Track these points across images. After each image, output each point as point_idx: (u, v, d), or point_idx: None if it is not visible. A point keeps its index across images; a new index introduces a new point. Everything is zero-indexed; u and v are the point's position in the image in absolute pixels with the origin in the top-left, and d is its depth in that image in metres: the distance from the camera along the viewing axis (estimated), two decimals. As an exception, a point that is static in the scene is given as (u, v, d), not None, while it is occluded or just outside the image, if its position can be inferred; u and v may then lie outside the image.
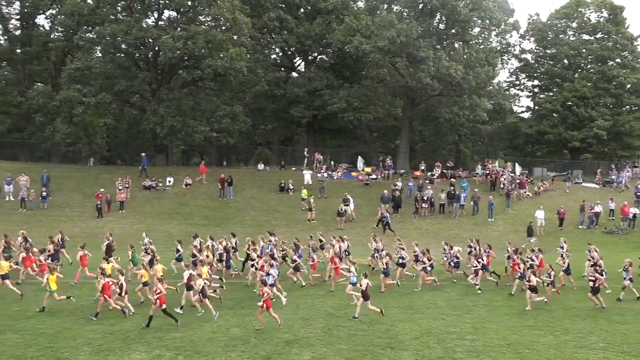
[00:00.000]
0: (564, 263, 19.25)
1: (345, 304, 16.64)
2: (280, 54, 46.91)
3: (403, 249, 20.48)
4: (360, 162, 39.77)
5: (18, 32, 42.72)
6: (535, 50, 49.88)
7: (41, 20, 44.47)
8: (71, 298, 16.03)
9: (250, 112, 43.61)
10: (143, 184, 33.86)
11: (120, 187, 31.87)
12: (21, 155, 41.96)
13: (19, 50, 41.97)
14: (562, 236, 25.79)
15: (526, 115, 53.46)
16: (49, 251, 19.95)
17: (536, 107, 51.07)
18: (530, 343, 13.36)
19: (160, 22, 38.95)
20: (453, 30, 40.25)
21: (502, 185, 34.44)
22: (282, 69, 47.50)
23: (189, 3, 37.76)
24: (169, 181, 34.59)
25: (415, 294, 18.50)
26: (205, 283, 15.54)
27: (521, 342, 13.40)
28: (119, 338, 13.37)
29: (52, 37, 41.70)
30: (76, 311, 15.57)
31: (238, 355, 12.34)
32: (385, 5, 41.04)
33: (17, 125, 43.71)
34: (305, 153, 38.78)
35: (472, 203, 32.13)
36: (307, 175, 35.65)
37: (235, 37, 37.55)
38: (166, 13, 39.57)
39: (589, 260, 19.91)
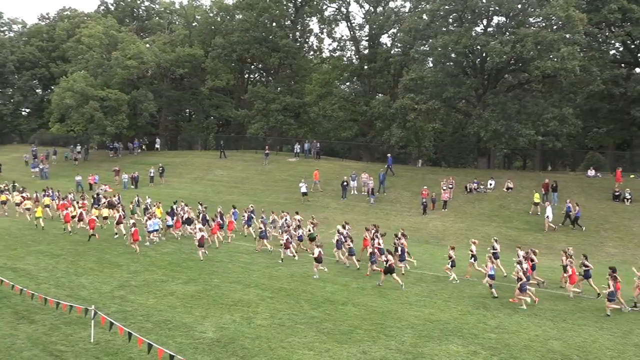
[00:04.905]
0: None
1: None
2: (621, 48, 41.76)
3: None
4: None
5: (366, 51, 49.86)
6: None
7: (384, 39, 50.91)
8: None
9: (582, 114, 40.37)
10: (466, 185, 35.37)
11: (444, 187, 34.11)
12: (364, 156, 49.04)
13: (366, 67, 48.80)
14: None
15: None
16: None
17: None
18: None
19: (488, 29, 39.77)
20: None
21: None
22: (622, 65, 42.20)
23: (519, 6, 37.44)
24: (490, 184, 35.23)
25: None
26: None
27: None
28: (438, 327, 14.63)
29: (392, 53, 47.11)
30: (402, 296, 17.79)
31: (558, 370, 12.10)
32: None
33: (362, 130, 51.07)
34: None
35: None
36: (651, 184, 31.22)
37: (567, 35, 35.45)
38: (495, 19, 40.14)
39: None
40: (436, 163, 49.74)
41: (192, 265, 21.49)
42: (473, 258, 20.46)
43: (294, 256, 23.06)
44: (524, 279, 17.06)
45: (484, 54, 37.90)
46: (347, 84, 54.60)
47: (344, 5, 50.53)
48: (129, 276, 19.57)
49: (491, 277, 18.19)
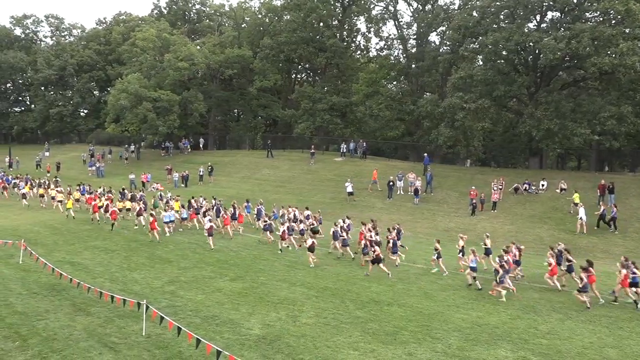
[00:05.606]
0: None
1: None
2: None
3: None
4: None
5: (414, 50, 49.28)
6: None
7: (432, 37, 50.19)
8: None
9: (642, 112, 38.55)
10: (515, 187, 34.39)
11: (495, 188, 33.31)
12: (411, 156, 48.50)
13: (413, 66, 48.24)
14: None
15: None
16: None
17: None
18: None
19: (542, 25, 38.54)
20: None
21: None
22: (689, 59, 39.91)
23: (575, 1, 36.04)
24: (542, 185, 34.16)
25: None
26: None
27: None
28: (486, 331, 14.31)
29: (440, 51, 46.38)
30: (448, 298, 17.53)
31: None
32: None
33: (408, 129, 50.52)
34: None
35: None
36: None
37: (627, 30, 33.92)
38: (549, 15, 38.85)
39: None
40: (485, 163, 48.62)
41: (239, 262, 21.90)
42: (461, 253, 21.21)
43: (288, 246, 24.70)
44: (501, 271, 17.75)
45: (536, 51, 36.72)
46: (394, 83, 54.09)
47: (391, 3, 50.12)
48: (179, 272, 20.13)
49: (473, 269, 19.01)
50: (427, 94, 49.85)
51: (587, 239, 27.17)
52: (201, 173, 44.31)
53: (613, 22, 34.81)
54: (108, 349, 12.78)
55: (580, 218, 28.10)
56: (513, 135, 44.28)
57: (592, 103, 35.34)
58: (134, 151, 56.64)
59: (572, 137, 34.99)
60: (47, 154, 59.66)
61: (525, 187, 34.16)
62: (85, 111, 73.60)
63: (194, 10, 70.58)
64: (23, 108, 76.98)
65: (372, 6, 52.60)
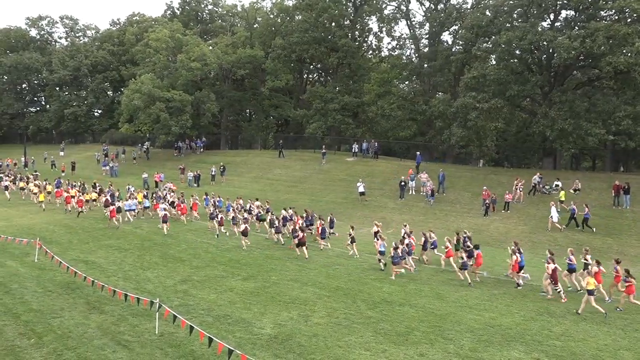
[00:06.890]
0: None
1: None
2: None
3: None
4: None
5: (426, 50, 49.11)
6: None
7: (445, 36, 49.89)
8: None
9: (658, 112, 37.99)
10: (533, 185, 34.02)
11: (519, 189, 32.95)
12: (423, 156, 48.23)
13: (426, 65, 48.06)
14: None
15: None
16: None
17: None
18: None
19: (556, 24, 38.20)
20: None
21: None
22: None
23: (589, -1, 35.76)
24: (556, 185, 33.84)
25: None
26: None
27: None
28: (499, 332, 14.20)
29: (453, 50, 46.17)
30: (461, 299, 17.42)
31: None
32: None
33: (420, 129, 50.31)
34: None
35: None
36: None
37: (643, 28, 33.55)
38: (563, 13, 38.52)
39: None
40: (498, 163, 48.22)
41: (251, 262, 21.97)
42: (375, 238, 22.98)
43: (226, 232, 27.25)
44: (399, 253, 20.09)
45: (550, 50, 36.43)
46: (406, 82, 53.96)
47: (404, 3, 50.00)
48: (192, 271, 20.25)
49: (381, 253, 21.38)
50: (440, 93, 49.68)
51: (601, 239, 26.90)
52: (213, 173, 44.52)
53: (629, 20, 34.43)
54: (121, 347, 12.89)
55: (551, 216, 28.51)
56: (526, 135, 43.94)
57: (607, 102, 34.94)
58: (146, 151, 57.04)
59: (586, 137, 34.63)
60: (62, 153, 60.32)
61: (540, 186, 33.78)
62: (99, 111, 74.31)
63: (206, 11, 70.97)
64: (38, 108, 77.94)
65: (384, 6, 52.51)
